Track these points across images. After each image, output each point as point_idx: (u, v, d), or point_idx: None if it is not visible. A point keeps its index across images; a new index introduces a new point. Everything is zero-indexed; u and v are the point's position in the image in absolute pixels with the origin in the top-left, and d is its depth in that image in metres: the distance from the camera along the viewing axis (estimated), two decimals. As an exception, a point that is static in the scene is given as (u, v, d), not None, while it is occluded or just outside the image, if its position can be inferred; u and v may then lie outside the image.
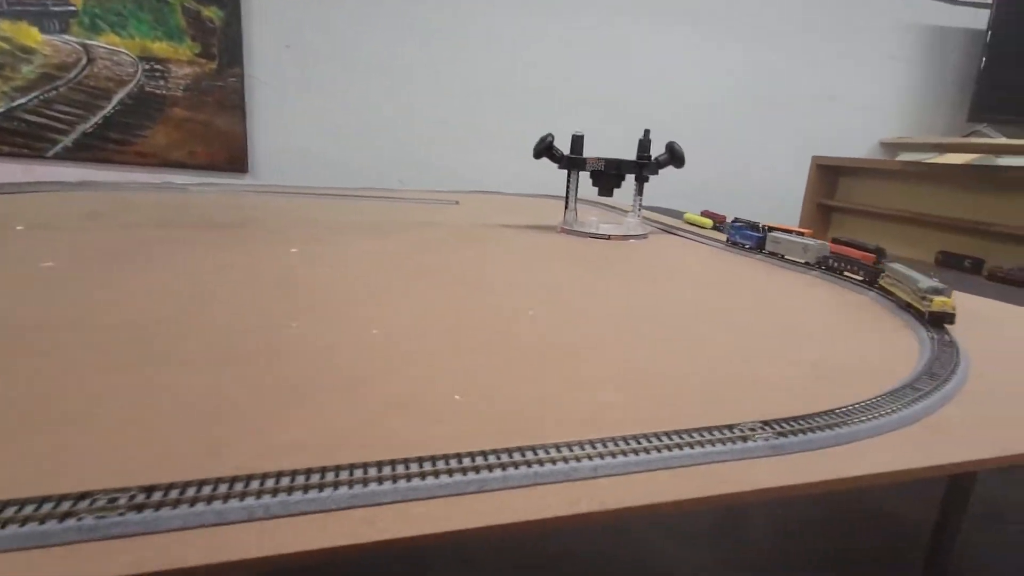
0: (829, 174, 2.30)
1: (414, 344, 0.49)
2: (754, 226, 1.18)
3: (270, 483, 0.26)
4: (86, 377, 0.39)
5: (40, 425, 0.32)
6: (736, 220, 1.26)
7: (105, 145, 1.82)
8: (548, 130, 1.05)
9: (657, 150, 1.06)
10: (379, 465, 0.27)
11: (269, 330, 0.50)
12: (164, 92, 1.81)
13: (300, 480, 0.26)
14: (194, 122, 1.85)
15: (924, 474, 0.33)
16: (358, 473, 0.27)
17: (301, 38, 1.88)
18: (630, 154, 1.07)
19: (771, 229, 1.14)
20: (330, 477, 0.26)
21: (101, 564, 0.22)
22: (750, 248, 0.98)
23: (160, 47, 1.77)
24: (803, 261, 0.88)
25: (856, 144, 2.38)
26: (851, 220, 2.27)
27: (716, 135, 2.22)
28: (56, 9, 1.69)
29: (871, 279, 0.74)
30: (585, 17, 2.07)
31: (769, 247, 0.95)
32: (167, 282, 0.65)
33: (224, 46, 1.81)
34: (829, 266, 0.84)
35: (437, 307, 0.61)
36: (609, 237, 1.02)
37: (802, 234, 1.07)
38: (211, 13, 1.77)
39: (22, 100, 1.73)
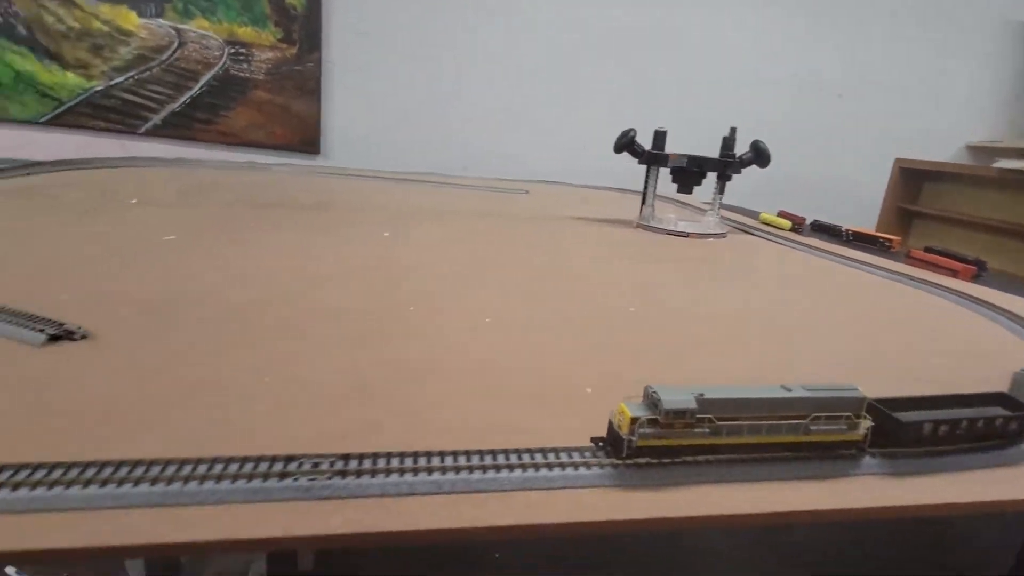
0: (913, 177, 2.19)
1: (530, 335, 0.51)
2: (836, 230, 1.15)
3: (449, 460, 0.28)
4: (235, 352, 0.42)
5: (220, 393, 0.35)
6: (815, 222, 1.23)
7: (191, 124, 1.91)
8: (614, 123, 1.05)
9: (715, 143, 1.05)
10: (542, 452, 0.29)
11: (389, 312, 0.53)
12: (247, 75, 1.88)
13: (475, 460, 0.28)
14: (273, 104, 1.92)
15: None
16: (525, 458, 0.29)
17: (376, 25, 1.91)
18: (701, 151, 1.05)
19: (855, 235, 1.11)
20: (500, 460, 0.28)
21: (317, 521, 0.24)
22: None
23: (245, 32, 1.84)
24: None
25: (940, 146, 2.26)
26: (935, 227, 2.16)
27: (791, 131, 2.15)
28: (153, -7, 1.78)
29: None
30: (662, 6, 2.04)
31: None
32: (277, 261, 0.68)
33: (305, 32, 1.86)
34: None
35: (537, 297, 0.62)
36: (688, 235, 1.02)
37: (889, 241, 1.04)
38: (294, 0, 1.83)
39: (119, 79, 1.84)
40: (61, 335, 0.42)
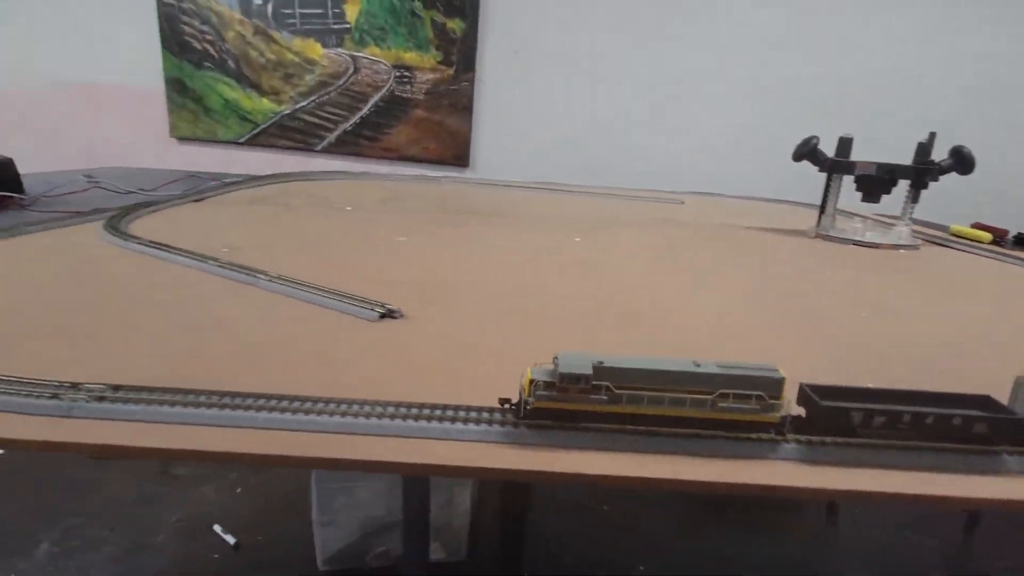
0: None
1: (765, 341, 0.53)
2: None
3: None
4: (497, 323, 0.49)
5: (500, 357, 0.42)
6: (1021, 235, 1.13)
7: (358, 141, 2.13)
8: (771, 133, 1.03)
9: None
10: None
11: (616, 304, 0.58)
12: (409, 96, 2.06)
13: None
14: (430, 121, 2.08)
15: None
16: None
17: (528, 44, 2.02)
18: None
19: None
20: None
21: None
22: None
23: (410, 56, 2.03)
24: None
25: None
26: None
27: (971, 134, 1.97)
28: (335, 27, 2.01)
29: None
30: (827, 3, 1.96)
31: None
32: (504, 258, 0.76)
33: (461, 54, 2.01)
34: None
35: (752, 305, 0.64)
36: (878, 246, 0.98)
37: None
38: (454, 25, 1.98)
39: (303, 103, 2.09)
40: (386, 314, 0.51)
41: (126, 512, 1.65)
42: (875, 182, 1.01)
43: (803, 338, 0.53)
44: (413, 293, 0.58)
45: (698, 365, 0.33)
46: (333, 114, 2.10)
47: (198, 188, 1.22)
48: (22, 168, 1.08)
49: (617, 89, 2.05)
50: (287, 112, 2.10)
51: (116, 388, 0.34)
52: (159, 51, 2.09)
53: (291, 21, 2.02)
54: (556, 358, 0.33)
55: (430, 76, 2.04)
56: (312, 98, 2.09)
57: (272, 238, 0.83)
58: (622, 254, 0.86)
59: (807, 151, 1.03)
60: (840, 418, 0.32)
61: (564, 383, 0.32)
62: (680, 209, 1.35)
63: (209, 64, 2.08)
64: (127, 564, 1.37)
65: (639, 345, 0.49)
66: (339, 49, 2.03)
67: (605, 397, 0.32)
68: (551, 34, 2.00)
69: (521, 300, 0.59)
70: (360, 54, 2.03)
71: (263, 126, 2.13)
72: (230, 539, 1.57)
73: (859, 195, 1.05)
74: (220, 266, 0.62)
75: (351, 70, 2.05)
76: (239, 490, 1.79)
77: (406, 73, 2.04)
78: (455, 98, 2.05)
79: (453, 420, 0.33)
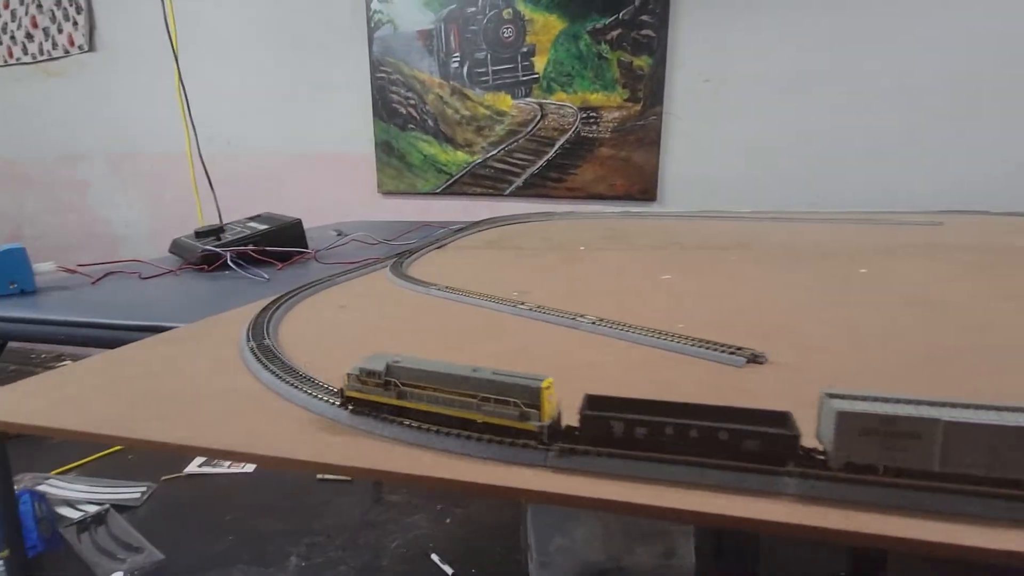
0: None
1: None
2: None
3: None
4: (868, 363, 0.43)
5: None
6: None
7: (544, 183, 2.20)
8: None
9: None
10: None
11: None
12: (595, 135, 2.09)
13: None
14: (616, 158, 2.09)
15: None
16: None
17: (717, 71, 1.96)
18: None
19: None
20: None
21: None
22: None
23: (596, 97, 2.07)
24: None
25: None
26: None
27: None
28: (525, 79, 2.12)
29: None
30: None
31: None
32: (804, 296, 0.70)
33: (649, 90, 2.01)
34: None
35: None
36: None
37: None
38: (641, 62, 1.99)
39: (493, 152, 2.23)
40: (750, 359, 0.48)
41: (354, 534, 1.81)
42: None
43: None
44: (738, 332, 0.55)
45: (475, 371, 0.35)
46: (521, 159, 2.20)
47: (434, 236, 1.32)
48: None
49: (819, 106, 1.89)
50: (478, 161, 2.25)
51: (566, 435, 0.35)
52: (371, 119, 2.37)
53: (484, 79, 2.17)
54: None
55: (616, 114, 2.06)
56: (502, 147, 2.21)
57: (534, 280, 0.85)
58: (943, 287, 0.75)
59: None
60: (603, 428, 0.32)
61: (363, 376, 0.37)
62: (943, 231, 1.18)
63: (412, 125, 2.31)
64: (365, 585, 1.49)
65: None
66: (527, 99, 2.14)
67: (394, 392, 0.37)
68: (746, 58, 1.92)
69: (889, 341, 0.53)
70: (547, 100, 2.12)
71: (457, 176, 2.30)
72: (448, 569, 1.64)
73: None
74: (533, 310, 0.65)
75: (538, 117, 2.14)
76: (448, 520, 1.88)
77: (592, 114, 2.08)
78: (642, 133, 2.04)
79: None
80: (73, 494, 1.73)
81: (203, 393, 0.45)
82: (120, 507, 1.76)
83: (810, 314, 0.64)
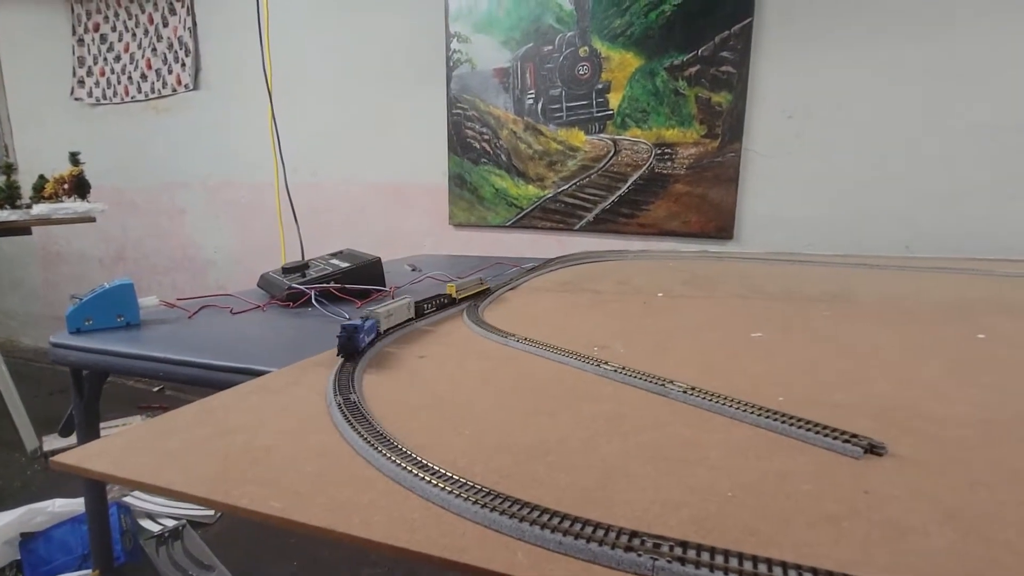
0: None
1: None
2: None
3: None
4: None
5: None
6: None
7: (615, 219, 2.17)
8: None
9: None
10: None
11: None
12: (669, 172, 2.05)
13: None
14: (691, 195, 2.04)
15: None
16: None
17: (801, 106, 1.88)
18: None
19: None
20: None
21: None
22: None
23: (671, 133, 2.03)
24: None
25: None
26: None
27: None
28: (599, 115, 2.12)
29: None
30: None
31: None
32: (925, 364, 0.64)
33: (727, 126, 1.95)
34: None
35: None
36: None
37: None
38: (720, 98, 1.94)
39: (565, 187, 2.22)
40: (868, 449, 0.43)
41: (413, 567, 1.79)
42: None
43: None
44: (846, 410, 0.50)
45: None
46: (592, 195, 2.19)
47: (507, 275, 1.32)
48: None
49: (910, 141, 1.77)
50: (549, 196, 2.25)
51: (683, 544, 0.32)
52: (446, 153, 2.43)
53: (558, 115, 2.19)
54: None
55: (692, 151, 2.01)
56: (573, 182, 2.20)
57: (613, 331, 0.82)
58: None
59: None
60: None
61: None
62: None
63: (485, 160, 2.35)
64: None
65: None
66: (601, 135, 2.13)
67: None
68: (832, 92, 1.83)
69: None
70: (621, 136, 2.10)
71: (527, 210, 2.31)
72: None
73: None
74: (618, 371, 0.62)
75: (611, 152, 2.13)
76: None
77: (667, 150, 2.04)
78: (719, 170, 1.98)
79: None
80: (154, 507, 1.83)
81: (295, 454, 0.45)
82: (195, 523, 1.83)
83: (924, 390, 0.57)
